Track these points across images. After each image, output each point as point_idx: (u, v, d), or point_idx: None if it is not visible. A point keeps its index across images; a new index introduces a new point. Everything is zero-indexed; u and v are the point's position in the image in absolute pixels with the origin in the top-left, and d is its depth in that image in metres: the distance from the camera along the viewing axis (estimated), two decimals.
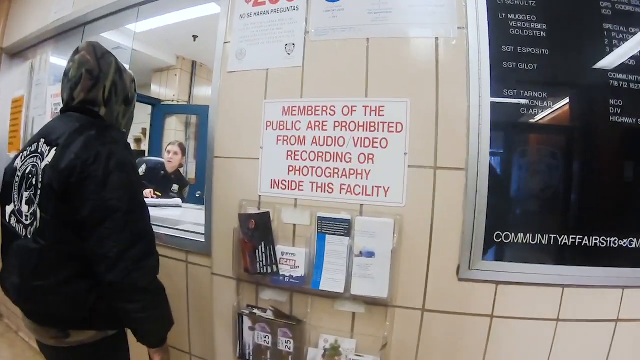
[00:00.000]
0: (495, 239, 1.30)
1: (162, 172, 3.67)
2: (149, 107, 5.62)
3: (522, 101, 1.30)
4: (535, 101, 1.30)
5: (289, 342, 1.44)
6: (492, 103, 1.29)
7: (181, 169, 3.94)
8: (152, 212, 2.32)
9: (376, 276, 1.30)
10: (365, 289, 1.31)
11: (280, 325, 1.44)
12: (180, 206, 2.96)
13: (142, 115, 5.72)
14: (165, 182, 3.63)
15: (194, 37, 4.37)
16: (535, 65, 1.31)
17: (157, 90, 5.81)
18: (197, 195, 3.82)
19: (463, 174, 1.29)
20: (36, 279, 1.09)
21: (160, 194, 3.38)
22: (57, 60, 2.77)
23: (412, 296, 1.34)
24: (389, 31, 1.36)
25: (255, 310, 1.49)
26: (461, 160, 1.29)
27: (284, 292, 1.47)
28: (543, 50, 1.31)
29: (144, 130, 5.90)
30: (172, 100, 5.70)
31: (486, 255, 1.30)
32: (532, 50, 1.31)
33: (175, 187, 3.65)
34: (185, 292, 1.78)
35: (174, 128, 5.74)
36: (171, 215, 2.38)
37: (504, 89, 1.30)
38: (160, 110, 5.60)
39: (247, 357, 1.51)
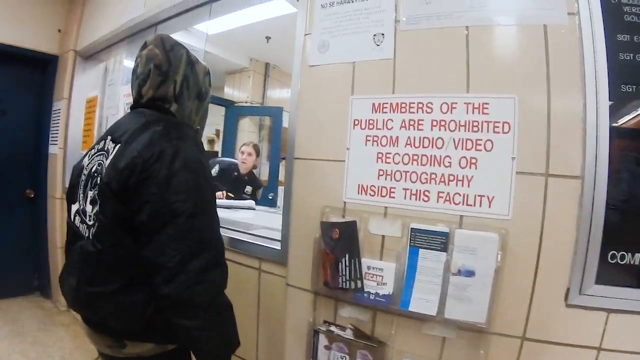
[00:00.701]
0: (610, 259, 1.09)
1: (236, 173, 3.68)
2: (223, 108, 5.76)
3: None
4: None
5: None
6: (610, 100, 1.09)
7: (255, 171, 3.93)
8: (224, 214, 2.31)
9: (475, 299, 1.13)
10: (462, 312, 1.14)
11: (360, 347, 1.30)
12: (253, 209, 2.91)
13: (216, 116, 5.89)
14: (239, 183, 3.64)
15: (267, 38, 4.39)
16: None
17: (230, 92, 5.96)
18: (270, 198, 3.80)
19: (579, 184, 1.09)
20: (92, 284, 1.02)
21: (233, 196, 3.37)
22: (130, 62, 2.82)
23: (512, 323, 1.16)
24: (490, 18, 1.19)
25: (333, 328, 1.36)
26: (576, 168, 1.10)
27: (366, 310, 1.32)
28: None
29: (217, 132, 6.07)
30: (246, 102, 5.80)
31: (600, 279, 1.10)
32: None
33: (248, 188, 3.65)
34: (257, 302, 1.69)
35: (247, 130, 5.85)
36: (243, 219, 2.33)
37: (622, 84, 1.10)
38: (233, 111, 5.73)
39: None
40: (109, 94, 3.12)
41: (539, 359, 1.15)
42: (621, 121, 1.10)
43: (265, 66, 5.83)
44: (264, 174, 5.26)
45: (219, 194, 3.26)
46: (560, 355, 1.13)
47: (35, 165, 3.66)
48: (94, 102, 3.20)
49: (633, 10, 1.11)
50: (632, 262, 1.09)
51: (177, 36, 2.37)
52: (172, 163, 0.98)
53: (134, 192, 0.97)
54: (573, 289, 1.10)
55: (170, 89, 1.15)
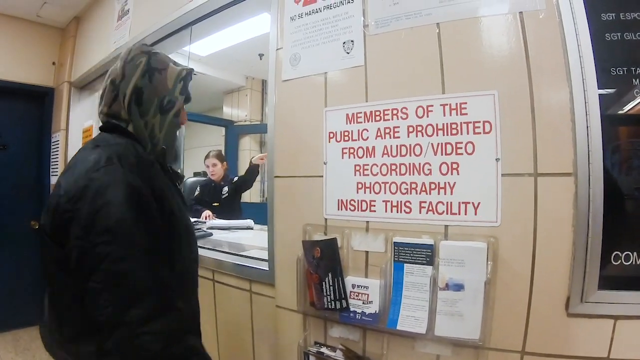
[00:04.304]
0: (613, 261, 1.01)
1: (213, 184, 3.78)
2: (223, 129, 5.76)
3: (637, 81, 1.01)
4: None
5: None
6: (599, 87, 1.01)
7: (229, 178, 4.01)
8: (221, 235, 2.29)
9: (466, 314, 1.05)
10: (453, 329, 1.07)
11: None
12: (251, 228, 2.86)
13: (216, 137, 5.88)
14: (218, 191, 3.74)
15: (260, 55, 4.40)
16: None
17: (229, 112, 6.02)
18: None
19: (572, 181, 1.01)
20: (51, 331, 0.96)
21: (218, 204, 3.58)
22: None
23: (510, 337, 1.08)
24: (461, 12, 1.13)
25: (323, 350, 1.30)
26: (568, 164, 1.02)
27: (355, 329, 1.26)
28: None
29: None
30: (245, 121, 5.81)
31: (603, 284, 1.01)
32: (639, 15, 1.02)
33: (225, 189, 3.73)
34: (250, 324, 1.63)
35: (248, 148, 5.88)
36: (241, 239, 2.30)
37: (611, 67, 1.02)
38: (233, 131, 5.75)
39: None
40: None
41: None
42: (614, 108, 1.03)
43: (262, 83, 5.86)
44: (266, 192, 5.23)
45: (205, 213, 3.32)
46: None
47: (38, 197, 3.72)
48: (89, 132, 3.23)
49: None
50: (638, 263, 1.01)
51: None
52: (96, 198, 0.85)
53: (64, 235, 0.86)
54: (574, 296, 1.02)
55: (122, 105, 1.04)
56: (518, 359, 1.08)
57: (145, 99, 1.07)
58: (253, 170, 3.77)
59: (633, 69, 1.02)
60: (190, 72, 1.17)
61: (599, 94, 1.01)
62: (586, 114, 1.01)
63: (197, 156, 5.20)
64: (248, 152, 5.80)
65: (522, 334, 1.07)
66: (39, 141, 3.76)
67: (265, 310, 1.54)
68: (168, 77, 1.10)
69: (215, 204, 3.61)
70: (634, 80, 1.01)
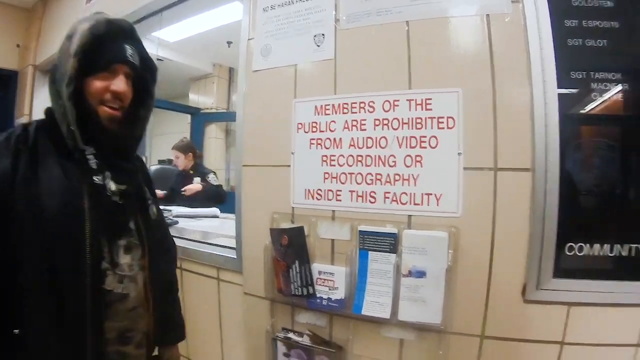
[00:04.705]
0: (567, 251, 1.09)
1: (184, 173, 3.81)
2: (188, 116, 5.68)
3: (595, 85, 1.08)
4: (609, 84, 1.08)
5: None
6: (559, 88, 1.08)
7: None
8: (188, 223, 2.28)
9: (428, 299, 1.11)
10: (416, 314, 1.12)
11: (318, 353, 1.28)
12: (217, 217, 2.86)
13: (181, 124, 5.78)
14: (188, 181, 3.70)
15: (229, 43, 4.36)
16: (605, 41, 1.09)
17: (195, 99, 5.92)
18: None
19: (529, 176, 1.08)
20: None
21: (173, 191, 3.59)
22: None
23: (470, 322, 1.14)
24: (431, 12, 1.17)
25: (290, 335, 1.33)
26: (526, 160, 1.08)
27: (322, 315, 1.30)
28: (612, 22, 1.09)
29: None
30: (211, 109, 5.75)
31: (558, 273, 1.09)
32: (600, 23, 1.10)
33: (197, 179, 3.71)
34: (218, 311, 1.65)
35: (214, 136, 5.82)
36: (208, 227, 2.29)
37: (571, 71, 1.09)
38: (199, 119, 5.66)
39: None
40: None
41: (501, 357, 1.15)
42: (573, 108, 1.10)
43: (229, 71, 5.80)
44: (233, 179, 5.24)
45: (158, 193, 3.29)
46: (522, 351, 1.13)
47: None
48: None
49: None
50: (591, 253, 1.09)
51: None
52: None
53: None
54: (530, 284, 1.09)
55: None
56: (478, 343, 1.14)
57: (58, 74, 0.95)
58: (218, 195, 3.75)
59: (592, 73, 1.09)
60: (96, 24, 0.95)
61: (559, 94, 1.08)
62: (545, 114, 1.07)
63: (162, 144, 5.12)
64: (214, 140, 5.76)
65: (481, 319, 1.13)
66: (2, 126, 3.59)
67: (233, 297, 1.56)
68: (66, 45, 0.95)
69: (172, 192, 3.66)
70: (592, 83, 1.09)
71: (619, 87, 1.08)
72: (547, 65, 1.08)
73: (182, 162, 3.76)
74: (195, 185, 3.55)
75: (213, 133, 5.79)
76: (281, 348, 1.34)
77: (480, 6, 1.13)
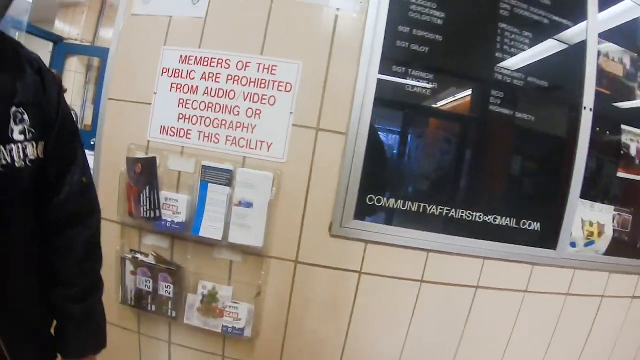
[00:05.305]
0: (367, 201, 1.41)
1: None
2: (50, 44, 5.25)
3: (408, 80, 1.42)
4: (420, 81, 1.42)
5: (169, 287, 1.47)
6: (378, 77, 1.39)
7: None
8: None
9: (253, 226, 1.37)
10: (242, 237, 1.38)
11: (161, 270, 1.47)
12: None
13: (41, 52, 5.34)
14: None
15: None
16: (427, 48, 1.42)
17: (61, 27, 5.39)
18: (92, 143, 3.73)
19: (343, 139, 1.38)
20: None
21: None
22: None
23: (286, 248, 1.43)
24: None
25: (137, 255, 1.51)
26: (343, 126, 1.39)
27: (166, 238, 1.50)
28: (437, 36, 1.43)
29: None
30: (76, 40, 5.37)
31: (358, 216, 1.41)
32: (427, 34, 1.42)
33: None
34: None
35: (74, 70, 5.44)
36: None
37: (393, 65, 1.41)
38: (61, 49, 5.26)
39: (130, 302, 1.53)
40: None
41: (310, 279, 1.45)
42: (386, 93, 1.40)
43: (101, 3, 5.43)
44: (87, 118, 5.10)
45: None
46: (327, 276, 1.44)
47: None
48: None
49: (418, 8, 1.42)
50: (386, 205, 1.42)
51: None
52: None
53: None
54: (335, 222, 1.40)
55: None
56: (292, 266, 1.44)
57: None
58: None
59: (410, 69, 1.41)
60: None
61: (378, 79, 1.38)
62: (364, 93, 1.38)
63: None
64: (73, 73, 5.40)
65: (295, 247, 1.43)
66: None
67: None
68: None
69: None
70: (407, 77, 1.41)
71: (428, 85, 1.42)
72: (374, 56, 1.39)
73: None
74: None
75: (73, 66, 5.42)
76: (129, 267, 1.51)
77: (335, 0, 1.40)
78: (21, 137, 0.73)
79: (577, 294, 1.61)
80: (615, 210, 1.65)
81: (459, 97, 1.48)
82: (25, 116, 0.74)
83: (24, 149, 0.73)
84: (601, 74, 1.57)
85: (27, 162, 0.74)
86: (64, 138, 0.85)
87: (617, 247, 1.66)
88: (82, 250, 0.88)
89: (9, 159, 0.70)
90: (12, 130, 0.71)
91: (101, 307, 0.94)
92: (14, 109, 0.72)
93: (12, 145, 0.71)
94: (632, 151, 1.64)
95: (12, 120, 0.71)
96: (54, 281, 0.86)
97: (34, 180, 0.77)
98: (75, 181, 0.87)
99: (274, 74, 1.39)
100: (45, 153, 0.79)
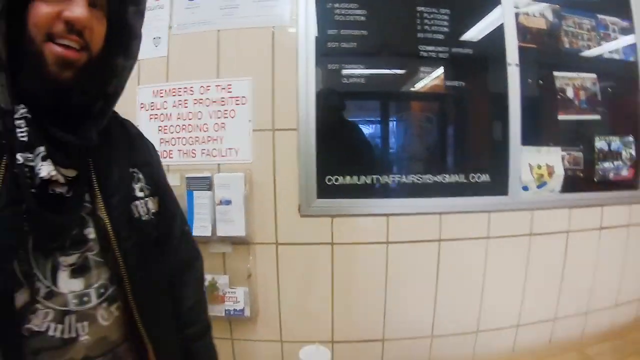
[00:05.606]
0: (327, 182, 1.64)
1: None
2: None
3: (343, 72, 1.65)
4: (354, 71, 1.65)
5: None
6: (316, 75, 1.63)
7: None
8: None
9: (235, 219, 1.63)
10: (228, 230, 1.63)
11: None
12: None
13: None
14: None
15: None
16: (355, 44, 1.65)
17: None
18: None
19: (295, 133, 1.63)
20: None
21: None
22: None
23: (266, 233, 1.67)
24: (236, 23, 1.67)
25: None
26: (294, 123, 1.63)
27: None
28: (363, 31, 1.65)
29: None
30: None
31: (321, 195, 1.64)
32: (353, 32, 1.65)
33: None
34: None
35: None
36: None
37: (328, 64, 1.64)
38: None
39: None
40: None
41: (291, 256, 1.68)
42: (324, 88, 1.64)
43: None
44: None
45: None
46: (305, 251, 1.67)
47: None
48: None
49: (342, 12, 1.66)
50: (343, 183, 1.65)
51: None
52: None
53: None
54: (303, 204, 1.64)
55: None
56: (274, 248, 1.68)
57: None
58: None
59: (344, 65, 1.65)
60: None
61: (315, 78, 1.62)
62: (306, 91, 1.62)
63: None
64: None
65: (274, 231, 1.67)
66: None
67: None
68: None
69: None
70: (342, 71, 1.65)
71: (362, 72, 1.65)
72: (309, 59, 1.63)
73: None
74: None
75: None
76: None
77: (269, 20, 1.66)
78: (142, 194, 0.83)
79: (541, 232, 1.77)
80: (563, 150, 1.80)
81: (391, 79, 1.71)
82: (141, 175, 0.84)
83: (146, 204, 0.83)
84: (524, 30, 1.74)
85: (151, 215, 0.84)
86: (166, 192, 0.97)
87: (575, 184, 1.81)
88: (194, 293, 1.01)
89: (136, 214, 0.80)
90: (133, 189, 0.81)
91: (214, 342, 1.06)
92: (130, 169, 0.82)
93: (137, 202, 0.81)
94: (570, 94, 1.79)
95: (132, 181, 0.82)
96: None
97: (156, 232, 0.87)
98: (180, 230, 1.00)
99: (230, 92, 1.65)
100: (159, 207, 0.89)
